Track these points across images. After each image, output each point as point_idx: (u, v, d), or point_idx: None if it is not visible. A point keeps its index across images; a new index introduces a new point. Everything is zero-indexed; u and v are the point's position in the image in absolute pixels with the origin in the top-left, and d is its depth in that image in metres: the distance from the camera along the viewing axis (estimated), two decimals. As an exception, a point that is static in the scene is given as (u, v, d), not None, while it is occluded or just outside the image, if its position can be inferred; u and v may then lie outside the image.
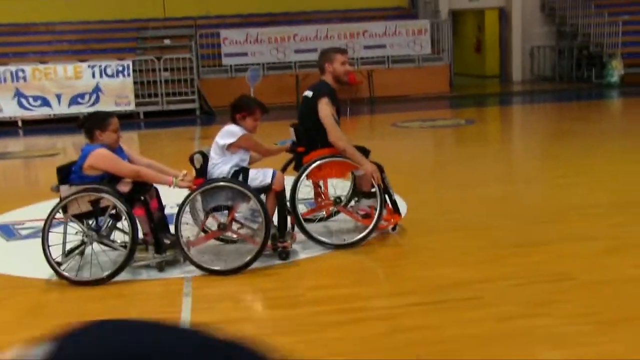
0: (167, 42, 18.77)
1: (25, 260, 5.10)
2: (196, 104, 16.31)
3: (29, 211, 6.77)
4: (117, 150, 4.80)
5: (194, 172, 4.90)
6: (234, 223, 4.89)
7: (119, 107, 15.41)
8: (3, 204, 7.19)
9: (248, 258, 4.61)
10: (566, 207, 5.94)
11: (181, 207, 4.65)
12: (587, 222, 5.48)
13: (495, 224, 5.54)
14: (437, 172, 8.34)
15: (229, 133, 4.86)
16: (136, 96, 15.82)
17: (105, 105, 15.37)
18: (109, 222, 4.86)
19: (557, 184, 6.95)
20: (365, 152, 5.33)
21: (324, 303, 4.08)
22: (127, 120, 13.89)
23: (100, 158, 4.60)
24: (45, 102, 15.28)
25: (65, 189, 4.58)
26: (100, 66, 15.37)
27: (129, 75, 15.50)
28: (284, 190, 4.90)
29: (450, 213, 5.94)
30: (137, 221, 4.61)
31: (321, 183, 5.36)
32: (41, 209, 6.80)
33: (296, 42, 17.86)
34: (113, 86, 15.47)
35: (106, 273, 4.54)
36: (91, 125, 4.74)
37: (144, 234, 4.77)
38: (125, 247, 4.61)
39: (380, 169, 5.26)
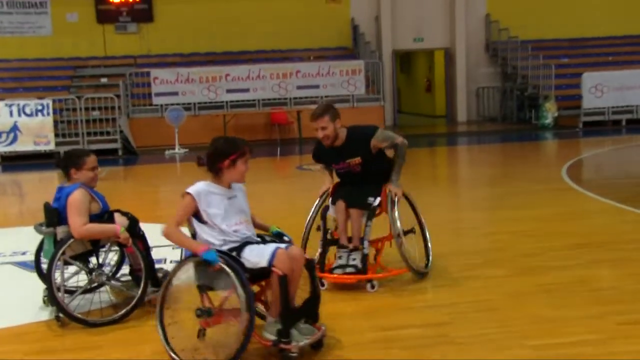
0: (103, 80, 18.76)
1: None
2: (118, 143, 16.17)
3: None
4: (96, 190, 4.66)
5: None
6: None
7: (38, 146, 15.30)
8: None
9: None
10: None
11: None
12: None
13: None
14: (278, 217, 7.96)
15: None
16: (56, 135, 15.67)
17: (24, 144, 15.29)
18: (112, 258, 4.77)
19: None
20: None
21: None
22: (48, 159, 13.72)
23: (70, 203, 4.36)
24: (-39, 140, 15.15)
25: (62, 230, 4.39)
26: (18, 105, 15.25)
27: (48, 114, 15.36)
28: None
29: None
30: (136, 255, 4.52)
31: None
32: None
33: (228, 82, 17.81)
34: (32, 125, 15.33)
35: (120, 312, 4.40)
36: (66, 163, 4.56)
37: (138, 270, 4.56)
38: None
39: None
